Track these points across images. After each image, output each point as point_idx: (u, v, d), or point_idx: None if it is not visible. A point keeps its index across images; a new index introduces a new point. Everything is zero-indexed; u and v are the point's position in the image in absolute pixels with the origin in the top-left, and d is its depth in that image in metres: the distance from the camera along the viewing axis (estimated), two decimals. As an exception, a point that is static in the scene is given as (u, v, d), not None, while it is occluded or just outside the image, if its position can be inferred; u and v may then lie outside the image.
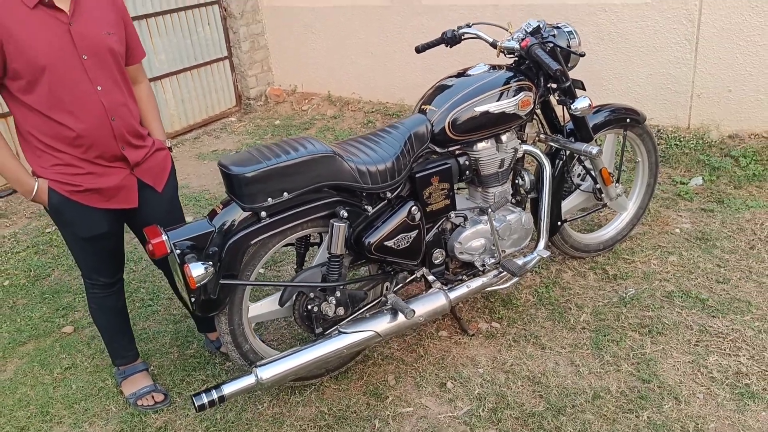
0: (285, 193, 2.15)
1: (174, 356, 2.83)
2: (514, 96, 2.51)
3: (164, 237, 2.07)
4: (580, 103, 2.57)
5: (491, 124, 2.49)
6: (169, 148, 2.46)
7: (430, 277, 2.56)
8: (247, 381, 2.15)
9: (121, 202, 2.28)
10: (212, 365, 2.74)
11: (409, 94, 5.65)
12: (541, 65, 2.35)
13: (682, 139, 4.25)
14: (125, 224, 2.43)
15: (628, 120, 2.97)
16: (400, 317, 2.36)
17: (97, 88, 2.12)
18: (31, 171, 2.19)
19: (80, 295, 3.38)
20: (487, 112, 2.45)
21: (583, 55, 2.41)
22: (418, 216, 2.37)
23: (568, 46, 2.65)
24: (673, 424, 2.19)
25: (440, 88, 2.56)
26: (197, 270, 2.03)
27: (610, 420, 2.23)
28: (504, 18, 4.82)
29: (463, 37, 2.78)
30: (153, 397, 2.54)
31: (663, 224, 3.44)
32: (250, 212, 2.15)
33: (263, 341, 2.52)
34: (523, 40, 2.46)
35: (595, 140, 2.87)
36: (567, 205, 3.04)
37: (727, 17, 3.96)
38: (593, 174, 2.97)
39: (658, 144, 4.21)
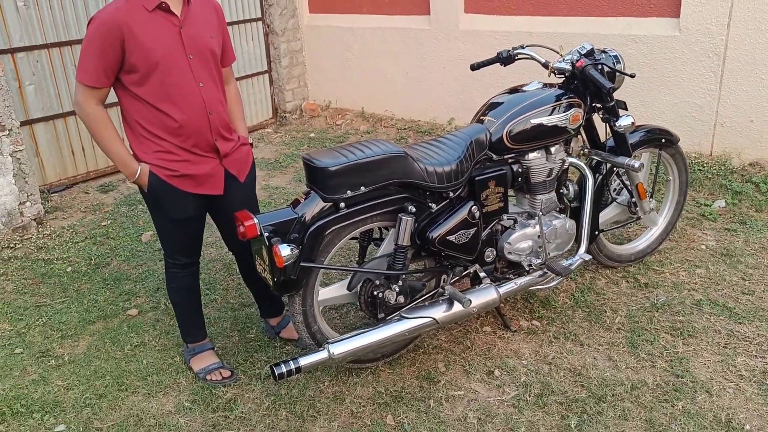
0: (362, 187, 2.39)
1: (235, 339, 3.05)
2: (565, 111, 2.76)
3: (255, 220, 2.30)
4: (624, 121, 2.82)
5: (543, 136, 2.74)
6: (251, 144, 2.71)
7: (482, 273, 2.78)
8: (321, 355, 2.36)
9: (209, 188, 2.52)
10: (272, 348, 2.95)
11: (441, 113, 5.92)
12: (595, 84, 2.60)
13: (705, 165, 4.49)
14: (207, 213, 2.67)
15: (663, 140, 3.22)
16: (456, 306, 2.58)
17: (199, 84, 2.38)
18: (133, 156, 2.44)
19: (140, 283, 3.61)
20: (541, 125, 2.70)
21: (633, 76, 2.66)
22: (477, 215, 2.61)
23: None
24: (706, 413, 2.39)
25: (496, 103, 2.81)
26: (285, 250, 2.26)
27: (648, 408, 2.44)
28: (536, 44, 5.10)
29: (517, 57, 3.04)
30: (221, 372, 2.75)
31: (689, 241, 3.66)
32: (330, 203, 2.39)
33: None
34: (578, 60, 2.72)
35: (633, 157, 3.11)
36: (603, 216, 3.26)
37: (751, 52, 4.23)
38: (630, 188, 3.21)
39: (683, 168, 4.45)
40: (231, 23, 6.03)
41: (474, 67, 3.16)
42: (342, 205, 2.39)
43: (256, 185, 2.73)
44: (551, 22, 5.07)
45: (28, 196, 4.24)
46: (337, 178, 2.34)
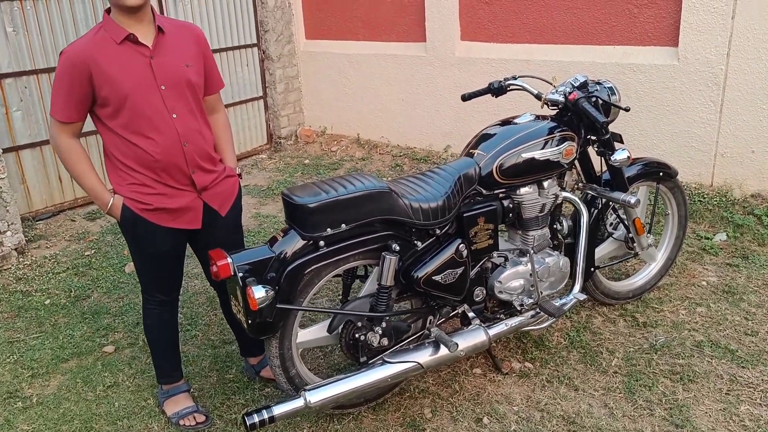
0: (343, 225, 2.27)
1: (213, 380, 2.91)
2: (558, 145, 2.65)
3: (229, 260, 2.18)
4: (620, 155, 2.71)
5: (536, 171, 2.62)
6: (239, 175, 2.61)
7: (471, 314, 2.65)
8: (297, 403, 2.23)
9: (186, 222, 2.42)
10: (251, 390, 2.81)
11: (437, 141, 5.83)
12: (589, 117, 2.50)
13: (705, 196, 4.37)
14: (188, 245, 2.56)
15: (661, 173, 3.10)
16: (443, 350, 2.44)
17: (172, 115, 2.29)
18: (112, 188, 2.38)
19: (120, 318, 3.48)
20: (533, 159, 2.59)
21: (627, 110, 2.56)
22: (465, 253, 2.48)
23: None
24: (708, 469, 2.24)
25: (487, 135, 2.71)
26: (259, 292, 2.13)
27: (646, 462, 2.29)
28: (534, 73, 5.02)
29: (509, 89, 2.94)
30: (195, 417, 2.61)
31: (690, 276, 3.53)
32: (309, 241, 2.27)
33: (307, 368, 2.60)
34: (570, 93, 2.62)
35: (630, 191, 3.00)
36: (599, 252, 3.14)
37: (751, 81, 4.14)
38: (626, 223, 3.09)
39: (683, 200, 4.33)
40: (226, 49, 5.98)
41: (465, 98, 3.06)
42: (322, 243, 2.27)
43: (242, 215, 2.64)
44: (548, 50, 4.99)
45: (9, 225, 4.13)
46: (317, 215, 2.22)
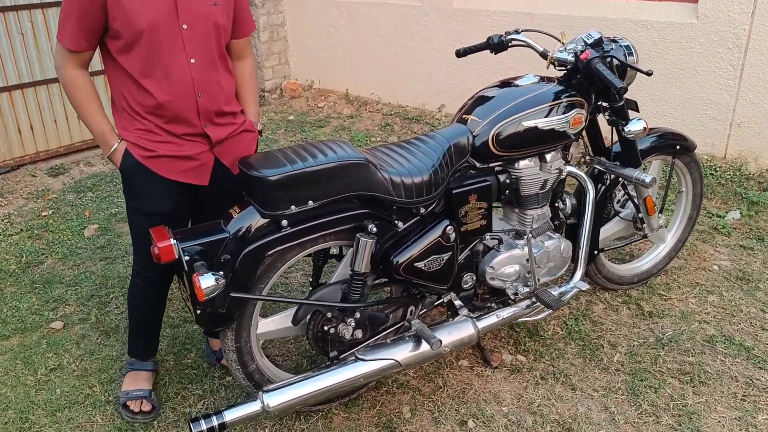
0: (310, 201, 1.93)
1: (170, 365, 2.61)
2: (564, 113, 2.29)
3: (172, 240, 1.84)
4: (635, 126, 2.35)
5: (538, 142, 2.27)
6: (260, 132, 2.31)
7: (458, 303, 2.34)
8: (252, 408, 1.92)
9: (192, 177, 2.13)
10: (210, 378, 2.51)
11: (431, 99, 5.43)
12: (603, 81, 2.13)
13: (718, 169, 4.03)
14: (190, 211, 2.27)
15: (677, 147, 2.76)
16: (424, 346, 2.14)
17: (190, 60, 2.01)
18: (116, 131, 2.12)
19: (73, 288, 3.16)
20: (535, 128, 2.23)
21: (649, 74, 2.18)
22: (453, 236, 2.15)
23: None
24: (720, 491, 1.97)
25: (483, 98, 2.34)
26: (207, 281, 1.80)
27: (650, 479, 2.02)
28: (538, 28, 4.60)
29: (510, 44, 2.56)
30: (142, 404, 2.34)
31: (700, 260, 3.22)
32: (269, 219, 1.93)
33: (270, 360, 2.29)
34: (582, 52, 2.24)
35: (643, 167, 2.65)
36: (604, 233, 2.81)
37: (778, 45, 3.75)
38: (636, 202, 2.75)
39: (694, 172, 4.00)
40: (204, -8, 5.50)
41: (460, 54, 2.68)
42: (284, 222, 1.93)
43: None
44: (554, 3, 4.56)
45: (-46, 181, 3.77)
46: (279, 190, 1.88)
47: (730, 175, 3.97)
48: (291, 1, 6.05)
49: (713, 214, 3.68)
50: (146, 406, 2.33)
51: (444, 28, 5.13)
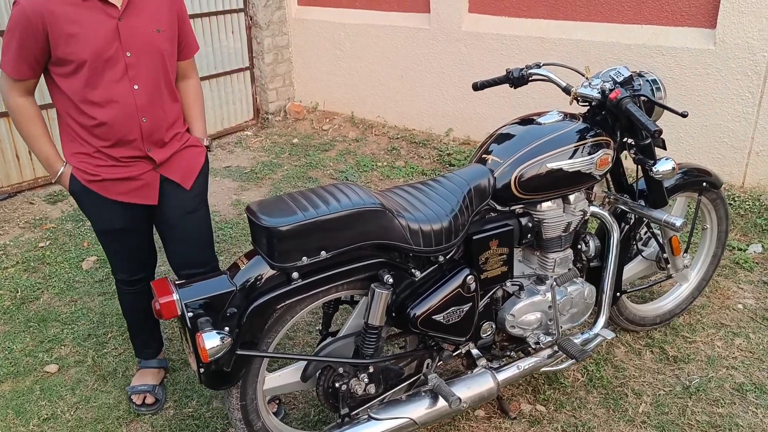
0: (323, 252, 1.80)
1: (170, 414, 2.47)
2: (591, 153, 2.16)
3: (175, 296, 1.72)
4: (663, 166, 2.22)
5: (563, 184, 2.15)
6: (207, 147, 2.35)
7: (475, 352, 2.20)
8: (259, 475, 1.78)
9: (139, 197, 2.18)
10: (213, 429, 2.37)
11: (439, 123, 5.33)
12: (636, 123, 2.00)
13: (736, 199, 3.91)
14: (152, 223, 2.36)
15: (704, 183, 2.63)
16: (441, 403, 2.00)
17: (134, 87, 2.04)
18: (63, 156, 2.15)
19: (70, 326, 3.02)
20: (560, 170, 2.11)
21: (685, 115, 2.06)
22: (473, 286, 2.02)
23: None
24: None
25: (504, 137, 2.22)
26: (212, 341, 1.67)
27: None
28: (550, 53, 4.51)
29: (530, 78, 2.44)
30: (145, 397, 2.47)
31: (723, 297, 3.09)
32: (279, 272, 1.80)
33: (279, 414, 2.16)
34: (612, 90, 2.12)
35: (670, 206, 2.53)
36: (626, 273, 2.69)
37: (799, 73, 3.65)
38: (661, 241, 2.62)
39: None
40: (209, 14, 5.41)
41: (477, 87, 2.57)
42: (295, 275, 1.80)
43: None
44: (566, 27, 4.46)
45: (-52, 212, 3.64)
46: (290, 240, 1.75)
47: (749, 205, 3.85)
48: (296, 22, 5.96)
49: (734, 247, 3.55)
50: (149, 399, 2.46)
51: (452, 51, 5.04)
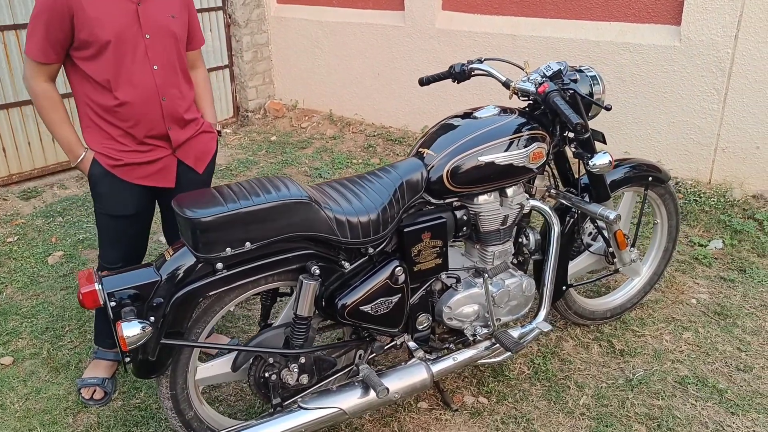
0: (247, 243, 1.83)
1: (117, 404, 2.50)
2: (525, 147, 2.19)
3: (97, 286, 1.75)
4: (600, 160, 2.25)
5: (496, 177, 2.17)
6: (218, 132, 2.50)
7: (411, 344, 2.23)
8: (183, 462, 1.81)
9: (157, 180, 2.29)
10: (157, 421, 2.40)
11: (414, 120, 5.35)
12: (560, 115, 2.03)
13: (702, 195, 3.93)
14: (154, 213, 2.47)
15: (650, 178, 2.66)
16: (372, 394, 2.02)
17: (153, 67, 2.17)
18: (84, 142, 2.25)
19: (30, 319, 3.06)
20: (492, 163, 2.13)
21: (608, 109, 2.09)
22: (402, 278, 2.04)
23: (590, 94, 2.34)
24: None
25: (442, 129, 2.25)
26: (131, 330, 1.70)
27: None
28: (521, 50, 4.53)
29: (472, 74, 2.47)
30: (94, 391, 2.49)
31: (678, 292, 3.11)
32: (203, 262, 1.83)
33: (218, 397, 2.18)
34: (540, 84, 2.15)
35: (612, 200, 2.55)
36: (574, 267, 2.71)
37: (761, 69, 3.66)
38: (606, 236, 2.65)
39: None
40: (186, 12, 5.44)
41: (423, 83, 2.60)
42: (219, 265, 1.83)
43: (212, 179, 2.53)
44: (537, 24, 4.48)
45: None
46: (212, 231, 1.78)
47: (714, 201, 3.86)
48: (275, 20, 5.99)
49: (695, 243, 3.57)
50: (98, 394, 2.48)
51: (426, 49, 5.06)
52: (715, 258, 3.41)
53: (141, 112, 2.18)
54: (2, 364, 2.75)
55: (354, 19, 5.44)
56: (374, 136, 5.42)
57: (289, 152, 5.32)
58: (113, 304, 1.75)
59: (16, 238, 3.87)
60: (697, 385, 2.49)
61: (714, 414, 2.34)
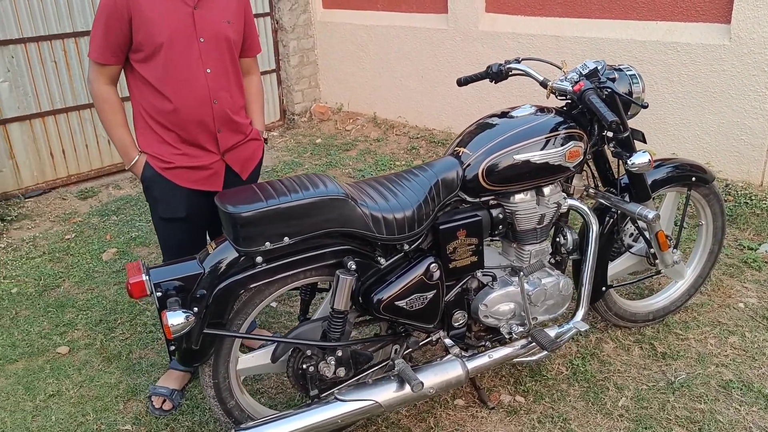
0: (286, 238, 1.89)
1: (164, 394, 2.60)
2: (561, 145, 2.19)
3: (144, 277, 1.84)
4: (638, 159, 2.23)
5: (532, 175, 2.18)
6: (265, 140, 2.55)
7: (448, 341, 2.25)
8: (223, 447, 1.89)
9: (207, 184, 2.34)
10: (202, 410, 2.49)
11: (457, 122, 5.37)
12: (595, 114, 2.03)
13: (753, 198, 3.82)
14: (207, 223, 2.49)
15: (693, 178, 2.61)
16: (407, 388, 2.06)
17: (206, 70, 2.22)
18: (138, 145, 2.34)
19: (84, 312, 3.21)
20: (528, 162, 2.15)
21: (645, 107, 2.07)
22: (436, 275, 2.07)
23: (629, 93, 2.32)
24: None
25: (479, 129, 2.27)
26: (175, 318, 1.78)
27: None
28: (565, 51, 4.50)
29: (510, 73, 2.48)
30: (164, 402, 2.50)
31: (725, 296, 3.03)
32: (244, 255, 1.90)
33: (259, 390, 2.26)
34: (576, 83, 2.15)
35: (653, 198, 2.52)
36: (615, 267, 2.68)
37: (816, 67, 3.54)
38: (647, 237, 2.61)
39: (726, 200, 3.80)
40: (235, 18, 5.61)
41: (461, 83, 2.62)
42: (259, 259, 1.90)
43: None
44: (581, 25, 4.44)
45: (-19, 205, 3.91)
46: (252, 226, 1.85)
47: (766, 204, 3.75)
48: (321, 25, 6.10)
49: (745, 246, 3.47)
50: (167, 405, 2.50)
51: (469, 51, 5.07)
52: (766, 262, 3.32)
53: (192, 114, 2.23)
54: (59, 354, 2.90)
55: (398, 22, 5.50)
56: (417, 138, 5.46)
57: (334, 154, 5.41)
58: (159, 294, 1.84)
59: (73, 236, 4.06)
60: (741, 389, 2.43)
61: (759, 419, 2.28)
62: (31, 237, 4.07)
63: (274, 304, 3.19)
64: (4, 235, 4.09)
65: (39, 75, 4.57)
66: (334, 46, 6.07)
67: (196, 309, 1.87)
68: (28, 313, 3.23)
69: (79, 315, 3.20)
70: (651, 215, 2.26)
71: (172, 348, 1.90)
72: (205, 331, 1.89)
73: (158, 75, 2.17)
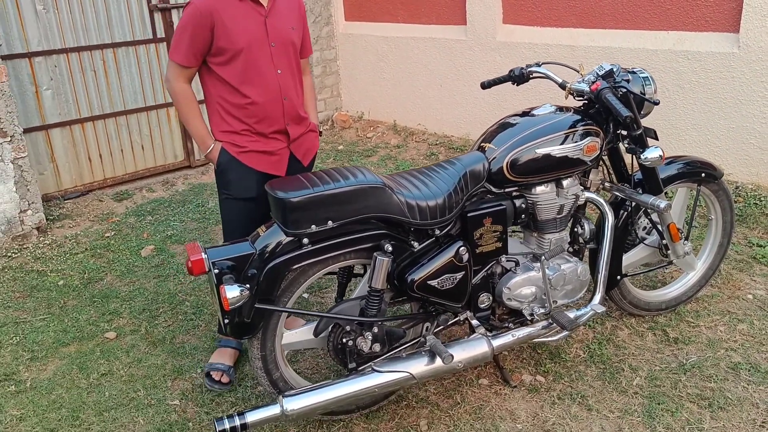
0: (330, 222, 2.09)
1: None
2: (579, 140, 2.38)
3: (203, 255, 2.04)
4: (651, 153, 2.42)
5: (552, 168, 2.37)
6: (320, 132, 2.83)
7: (474, 322, 2.43)
8: (272, 411, 2.08)
9: (273, 168, 2.59)
10: (244, 388, 2.69)
11: (475, 129, 5.57)
12: (611, 110, 2.23)
13: (762, 199, 3.98)
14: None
15: (702, 174, 2.79)
16: (438, 361, 2.24)
17: (277, 71, 2.49)
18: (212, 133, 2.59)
19: (128, 302, 3.42)
20: (548, 155, 2.34)
21: (657, 104, 2.26)
22: (465, 257, 2.27)
23: (642, 93, 2.51)
24: None
25: (502, 127, 2.47)
26: (232, 292, 1.99)
27: (658, 500, 2.04)
28: (580, 60, 4.69)
29: (531, 76, 2.68)
30: (222, 375, 2.69)
31: (734, 288, 3.19)
32: (292, 237, 2.10)
33: (296, 370, 2.45)
34: (593, 83, 2.34)
35: (665, 193, 2.70)
36: (629, 258, 2.86)
37: (821, 73, 3.71)
38: (660, 228, 2.79)
39: (736, 201, 3.96)
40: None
41: (485, 86, 2.82)
42: (305, 240, 2.10)
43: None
44: (595, 35, 4.64)
45: (29, 204, 4.15)
46: (300, 211, 2.05)
47: (774, 205, 3.91)
48: (343, 36, 6.35)
49: (754, 244, 3.63)
50: (225, 378, 2.69)
51: (487, 61, 5.29)
52: (774, 258, 3.47)
53: (266, 110, 2.49)
54: (107, 338, 3.11)
55: (418, 33, 5.73)
56: (436, 144, 5.67)
57: (356, 160, 5.62)
58: (216, 272, 2.05)
59: (112, 234, 4.29)
60: (749, 370, 2.59)
61: (766, 396, 2.44)
62: (73, 235, 4.30)
63: (305, 295, 3.39)
64: (48, 233, 4.33)
65: (79, 83, 4.83)
66: (356, 56, 6.31)
67: (248, 285, 2.07)
68: (76, 303, 3.45)
69: (123, 305, 3.41)
70: (663, 205, 2.44)
71: (226, 321, 2.10)
72: (256, 305, 2.09)
73: (237, 76, 2.43)
